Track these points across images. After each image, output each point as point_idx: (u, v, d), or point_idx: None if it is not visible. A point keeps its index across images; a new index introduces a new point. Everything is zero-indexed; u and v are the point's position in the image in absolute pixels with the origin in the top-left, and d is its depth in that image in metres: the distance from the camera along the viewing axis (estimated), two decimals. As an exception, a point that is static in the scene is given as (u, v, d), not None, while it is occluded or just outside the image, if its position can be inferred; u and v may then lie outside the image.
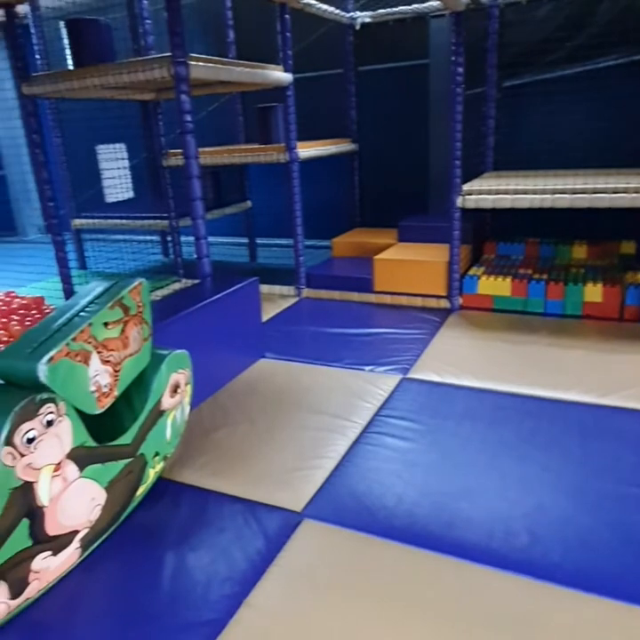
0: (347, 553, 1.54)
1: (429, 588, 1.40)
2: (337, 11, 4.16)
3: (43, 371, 1.38)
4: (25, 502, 1.34)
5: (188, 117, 2.63)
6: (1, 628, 1.34)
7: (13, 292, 3.50)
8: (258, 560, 1.51)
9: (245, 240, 5.13)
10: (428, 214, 4.47)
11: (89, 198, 4.90)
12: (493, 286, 3.41)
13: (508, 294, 3.38)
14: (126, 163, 4.21)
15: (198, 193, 2.72)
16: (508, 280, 3.37)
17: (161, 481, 1.86)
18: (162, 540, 1.62)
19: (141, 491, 1.75)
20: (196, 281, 2.91)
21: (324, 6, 3.92)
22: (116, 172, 4.15)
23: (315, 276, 3.94)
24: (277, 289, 4.01)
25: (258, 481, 1.86)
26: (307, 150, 3.79)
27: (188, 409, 1.95)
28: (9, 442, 1.29)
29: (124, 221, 4.42)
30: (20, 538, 1.34)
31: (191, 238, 2.84)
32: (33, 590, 1.40)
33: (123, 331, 1.65)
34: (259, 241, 5.17)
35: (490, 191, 3.19)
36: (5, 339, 2.83)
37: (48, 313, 3.19)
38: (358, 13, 4.38)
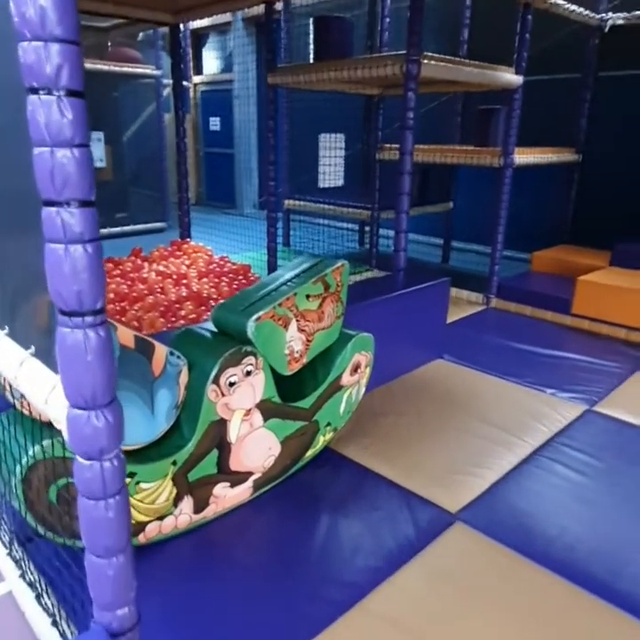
0: (496, 566, 1.51)
1: (579, 629, 1.32)
2: (586, 11, 3.89)
3: (251, 327, 1.58)
4: (218, 435, 1.56)
5: (411, 114, 2.70)
6: (181, 536, 1.58)
7: (227, 257, 3.95)
8: (406, 546, 1.56)
9: (440, 241, 5.12)
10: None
11: (303, 182, 5.29)
12: None
13: None
14: (342, 152, 4.46)
15: (407, 188, 2.79)
16: None
17: (327, 450, 1.99)
18: (320, 501, 1.75)
19: (310, 453, 1.90)
20: (388, 273, 3.00)
21: (573, 6, 3.70)
22: (331, 160, 4.42)
23: (507, 288, 3.80)
24: (465, 294, 3.95)
25: (415, 472, 1.89)
26: (524, 157, 3.64)
27: (363, 390, 2.05)
28: (216, 381, 1.51)
29: (330, 207, 4.70)
30: (209, 464, 1.56)
31: (387, 231, 2.93)
32: (210, 511, 1.62)
33: (320, 305, 1.79)
34: (454, 244, 5.11)
35: None
36: (215, 296, 3.22)
37: (253, 280, 3.55)
38: (610, 14, 4.05)
